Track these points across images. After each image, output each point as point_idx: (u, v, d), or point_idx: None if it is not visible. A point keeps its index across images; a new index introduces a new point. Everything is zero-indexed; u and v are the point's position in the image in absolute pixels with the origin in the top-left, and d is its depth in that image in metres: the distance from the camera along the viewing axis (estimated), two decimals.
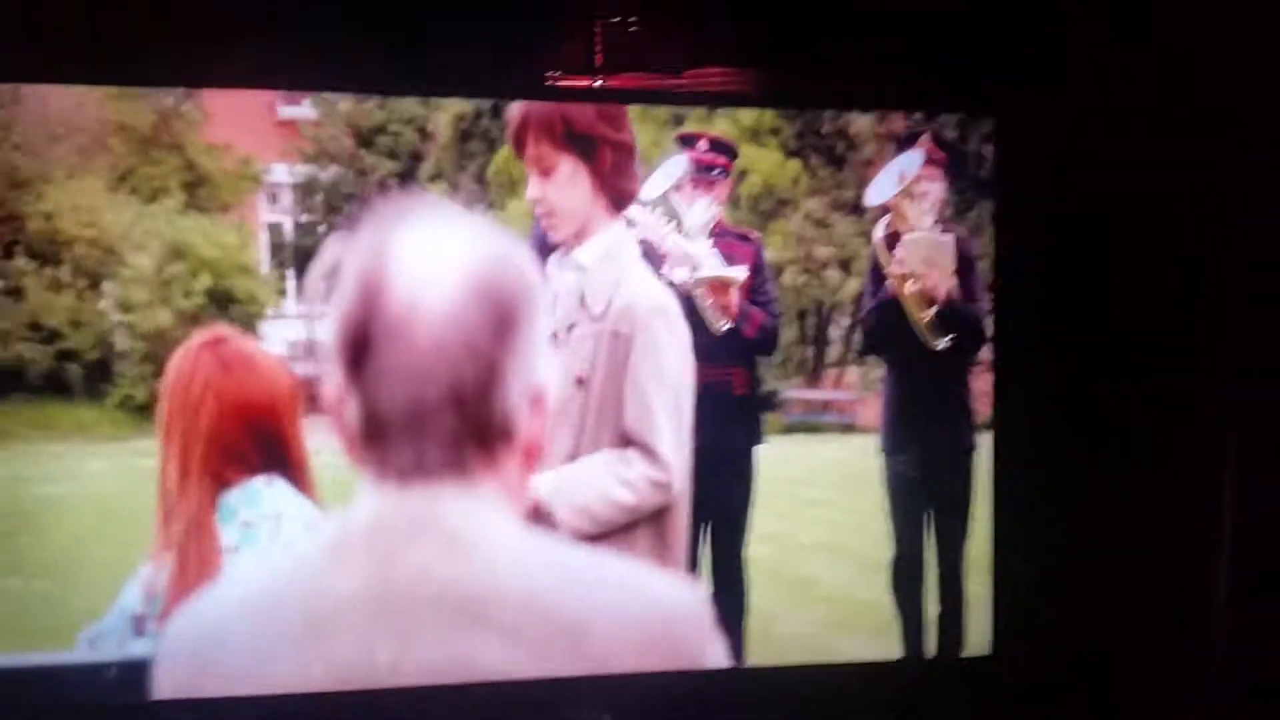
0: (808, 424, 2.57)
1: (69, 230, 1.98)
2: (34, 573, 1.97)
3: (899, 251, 2.31)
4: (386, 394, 0.89)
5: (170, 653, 0.97)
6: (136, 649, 1.59)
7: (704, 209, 2.28)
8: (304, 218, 2.15)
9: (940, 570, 2.33)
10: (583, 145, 1.90)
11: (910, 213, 2.28)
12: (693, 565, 2.28)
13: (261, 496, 1.58)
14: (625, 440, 1.88)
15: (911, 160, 2.27)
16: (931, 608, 2.31)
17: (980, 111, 2.23)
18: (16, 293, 1.98)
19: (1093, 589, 2.19)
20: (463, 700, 1.04)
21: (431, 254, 0.91)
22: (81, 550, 2.03)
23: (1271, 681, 2.04)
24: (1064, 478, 2.21)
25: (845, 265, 2.49)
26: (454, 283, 0.90)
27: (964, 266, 2.31)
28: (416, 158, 2.23)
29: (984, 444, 2.26)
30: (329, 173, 2.15)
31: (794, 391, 2.60)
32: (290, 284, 2.14)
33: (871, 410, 2.45)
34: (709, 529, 2.35)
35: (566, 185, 1.90)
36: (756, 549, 2.32)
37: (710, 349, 2.27)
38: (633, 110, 2.27)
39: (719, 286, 2.26)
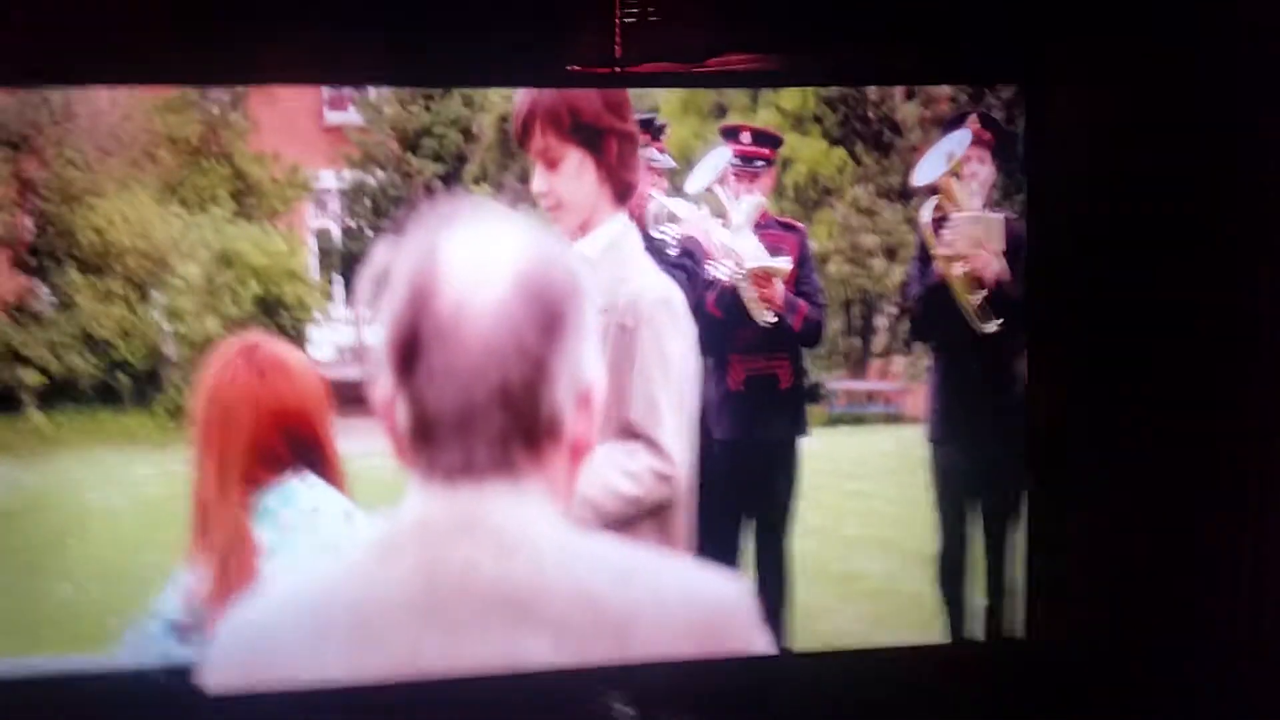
0: (853, 415, 2.56)
1: (119, 242, 2.01)
2: (84, 577, 2.01)
3: (946, 233, 2.27)
4: (436, 395, 0.89)
5: (220, 655, 0.97)
6: (179, 654, 1.60)
7: (750, 204, 2.27)
8: (351, 223, 2.16)
9: (987, 562, 2.31)
10: (590, 136, 1.88)
11: (958, 193, 2.25)
12: (735, 558, 2.30)
13: (298, 494, 1.59)
14: (629, 433, 1.87)
15: (960, 139, 2.23)
16: (978, 600, 2.29)
17: (1008, 80, 2.18)
18: (68, 305, 2.00)
19: (1128, 576, 2.16)
20: (493, 688, 1.05)
21: (479, 255, 0.91)
22: (130, 555, 2.07)
23: None
24: (1099, 463, 2.18)
25: (891, 253, 2.47)
26: (502, 283, 0.90)
27: (1014, 248, 2.24)
28: (461, 160, 2.24)
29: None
30: (375, 177, 2.16)
31: (839, 382, 2.59)
32: (338, 289, 2.15)
33: (918, 400, 2.43)
34: (753, 522, 2.35)
35: (573, 177, 1.88)
36: (801, 542, 2.31)
37: (756, 341, 2.30)
38: (674, 104, 2.28)
39: (764, 278, 2.25)
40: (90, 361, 2.03)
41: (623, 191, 1.89)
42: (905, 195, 2.34)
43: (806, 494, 2.32)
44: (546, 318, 0.90)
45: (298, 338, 2.12)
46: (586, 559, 0.93)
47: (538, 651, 0.90)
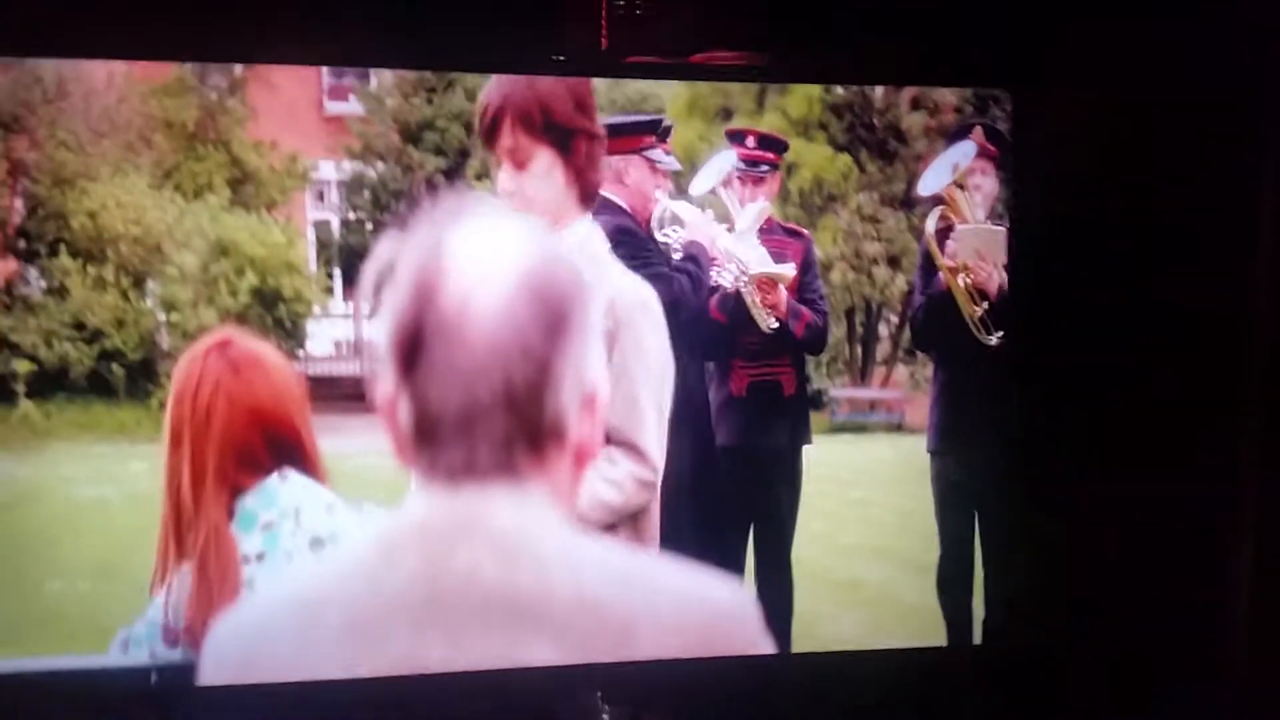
0: (855, 423, 2.55)
1: (113, 228, 1.96)
2: (75, 574, 1.96)
3: (951, 244, 2.28)
4: (439, 394, 0.88)
5: (216, 655, 0.96)
6: (167, 658, 1.58)
7: (756, 210, 2.26)
8: (351, 215, 2.14)
9: (987, 572, 2.29)
10: (560, 136, 1.85)
11: (963, 204, 2.25)
12: (738, 565, 2.28)
13: (278, 494, 1.56)
14: (611, 438, 1.85)
15: (965, 151, 2.24)
16: (979, 610, 2.27)
17: (995, 84, 2.17)
18: (60, 292, 1.97)
19: (1112, 581, 2.15)
20: (488, 687, 1.04)
21: (484, 253, 0.90)
22: (123, 552, 2.03)
23: None
24: (1083, 467, 2.17)
25: (894, 262, 2.46)
26: (507, 282, 0.89)
27: None
28: (464, 154, 2.22)
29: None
30: (376, 170, 2.14)
31: (841, 390, 2.58)
32: (337, 282, 2.13)
33: (920, 409, 2.42)
34: (755, 529, 2.34)
35: (542, 177, 1.85)
36: (802, 550, 2.31)
37: (759, 347, 2.29)
38: (679, 105, 2.26)
39: (768, 283, 2.25)
40: (83, 351, 2.00)
41: (589, 193, 1.87)
42: (909, 204, 2.34)
43: (808, 501, 2.32)
44: (551, 319, 0.89)
45: (295, 331, 2.09)
46: (589, 563, 0.92)
47: (539, 656, 0.89)
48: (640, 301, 1.87)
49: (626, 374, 1.84)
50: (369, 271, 0.93)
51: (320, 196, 2.13)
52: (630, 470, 1.85)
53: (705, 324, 2.22)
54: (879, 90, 2.37)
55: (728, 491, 2.29)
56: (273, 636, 0.93)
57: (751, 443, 2.32)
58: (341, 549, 1.49)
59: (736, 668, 1.08)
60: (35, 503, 2.02)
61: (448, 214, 0.93)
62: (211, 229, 2.02)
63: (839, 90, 2.36)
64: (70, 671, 1.77)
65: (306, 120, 2.07)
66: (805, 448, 2.35)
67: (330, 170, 2.12)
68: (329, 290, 2.11)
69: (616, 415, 1.82)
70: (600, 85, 2.19)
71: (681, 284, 2.15)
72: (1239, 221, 2.00)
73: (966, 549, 2.29)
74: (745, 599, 0.98)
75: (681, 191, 2.23)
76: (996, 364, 2.26)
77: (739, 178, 2.28)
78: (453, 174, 2.19)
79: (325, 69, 2.07)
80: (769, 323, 2.25)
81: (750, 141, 2.28)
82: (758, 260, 2.24)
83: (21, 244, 1.95)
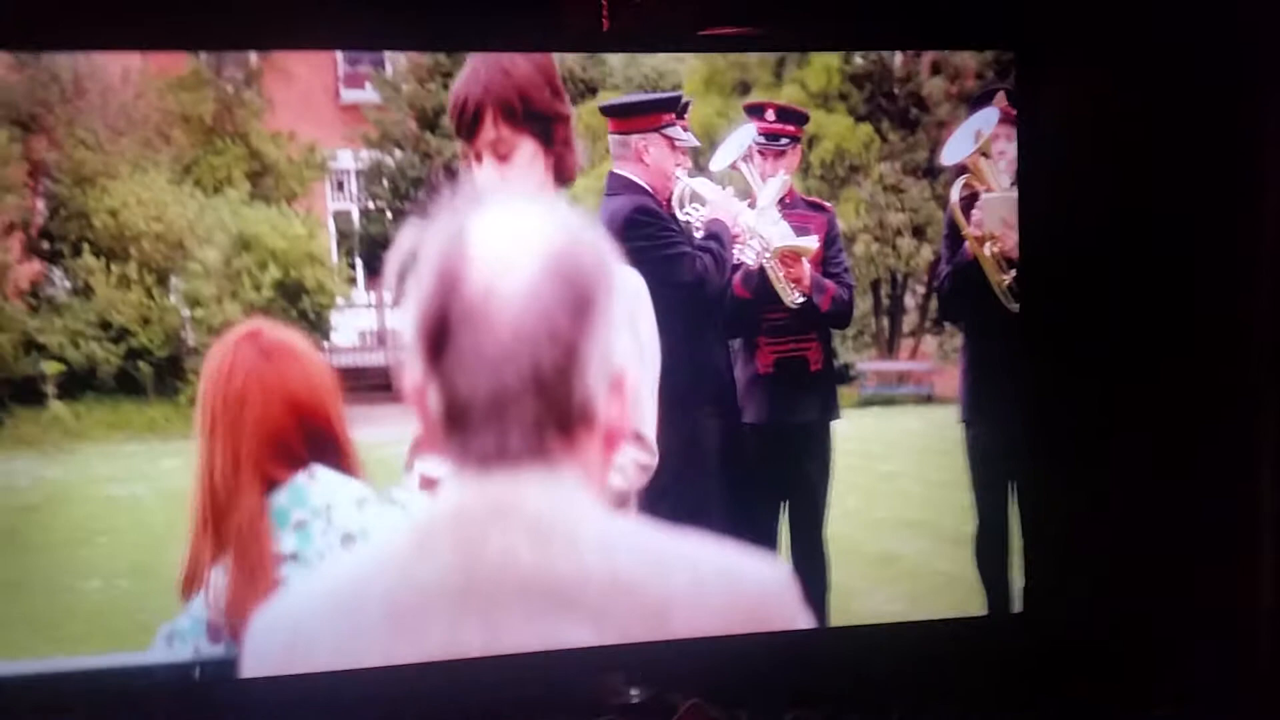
0: (884, 396, 2.53)
1: (134, 225, 1.96)
2: (113, 573, 1.98)
3: (976, 213, 2.25)
4: (467, 380, 0.89)
5: (257, 648, 0.98)
6: (210, 653, 1.59)
7: (776, 184, 2.23)
8: (371, 204, 2.13)
9: (1025, 540, 2.28)
10: (541, 124, 1.83)
11: (987, 172, 2.22)
12: (772, 542, 2.27)
13: (308, 492, 1.56)
14: None
15: (987, 117, 2.20)
16: (1017, 579, 2.26)
17: (1004, 46, 2.14)
18: (85, 291, 1.98)
19: (1148, 545, 2.14)
20: (527, 670, 1.05)
21: (508, 237, 0.90)
22: (159, 549, 2.04)
23: None
24: (1101, 440, 2.16)
25: (919, 232, 2.44)
26: (531, 265, 0.89)
27: None
28: None
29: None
30: (394, 157, 2.13)
31: (869, 364, 2.56)
32: (359, 272, 2.12)
33: (949, 380, 2.40)
34: (786, 505, 2.33)
35: (526, 167, 1.83)
36: (835, 525, 2.29)
37: (784, 323, 2.27)
38: (696, 81, 2.24)
39: (791, 258, 2.23)
40: (109, 350, 2.01)
41: (567, 175, 1.86)
42: (932, 172, 2.31)
43: (839, 476, 2.30)
44: (577, 301, 0.89)
45: (319, 323, 2.09)
46: (624, 545, 0.92)
47: (577, 638, 0.90)
48: (633, 290, 1.87)
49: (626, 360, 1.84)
50: (393, 261, 0.93)
51: (339, 186, 2.12)
52: (633, 456, 1.85)
53: (730, 302, 2.21)
54: (898, 58, 2.34)
55: (758, 469, 2.28)
56: (312, 627, 0.94)
57: (780, 419, 2.30)
58: (378, 539, 1.49)
59: (776, 644, 1.08)
60: (69, 503, 2.04)
61: (469, 199, 0.93)
62: (233, 223, 2.02)
63: (858, 59, 2.34)
64: (114, 669, 1.79)
65: (323, 109, 2.07)
66: (834, 423, 2.33)
67: (348, 159, 2.12)
68: (351, 281, 2.11)
69: None
70: (616, 63, 2.18)
71: (705, 262, 2.14)
72: (1250, 183, 1.99)
73: (1003, 517, 2.27)
74: (784, 574, 0.99)
75: (701, 168, 2.21)
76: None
77: (759, 152, 2.26)
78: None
79: (340, 56, 2.06)
80: (794, 298, 2.24)
81: (769, 115, 2.26)
82: (780, 235, 2.22)
83: (45, 245, 1.95)
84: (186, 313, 2.03)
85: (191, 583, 1.57)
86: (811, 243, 2.25)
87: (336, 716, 1.64)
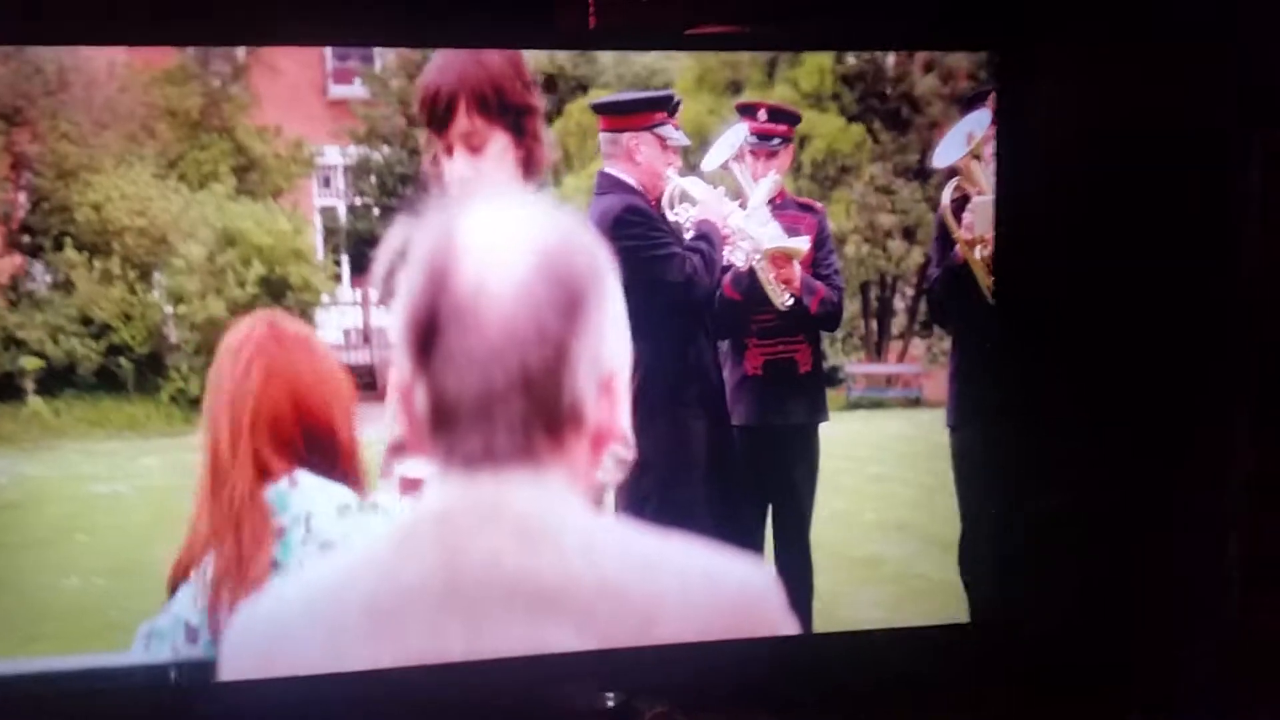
0: (872, 399, 2.53)
1: (118, 220, 1.95)
2: (91, 571, 1.96)
3: (967, 216, 2.23)
4: (455, 379, 0.88)
5: (235, 648, 0.97)
6: (189, 654, 1.58)
7: (767, 184, 2.23)
8: (358, 200, 2.11)
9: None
10: (513, 116, 1.83)
11: (979, 175, 2.21)
12: (758, 545, 2.26)
13: (288, 499, 1.55)
14: None
15: (979, 120, 2.18)
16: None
17: (987, 47, 2.12)
18: (66, 286, 1.96)
19: (1133, 554, 2.15)
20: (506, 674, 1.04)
21: (497, 235, 0.90)
22: (137, 548, 2.03)
23: None
24: (1071, 448, 2.16)
25: (909, 234, 2.43)
26: (522, 264, 0.89)
27: None
28: None
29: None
30: (381, 153, 2.11)
31: (857, 366, 2.56)
32: (345, 270, 2.11)
33: (937, 383, 2.40)
34: (772, 508, 2.32)
35: (498, 159, 1.83)
36: (821, 529, 2.29)
37: (773, 324, 2.26)
38: (688, 79, 2.23)
39: (782, 259, 2.22)
40: (90, 346, 1.99)
41: (536, 168, 1.85)
42: (923, 174, 2.31)
43: (826, 479, 2.30)
44: (567, 300, 0.89)
45: (304, 320, 2.08)
46: (611, 547, 0.92)
47: (561, 642, 0.89)
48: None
49: None
50: (381, 258, 0.93)
51: (326, 182, 2.11)
52: (613, 451, 1.85)
53: (719, 303, 2.20)
54: (891, 58, 2.34)
55: (745, 472, 2.27)
56: (292, 630, 0.93)
57: (767, 421, 2.29)
58: (361, 540, 1.48)
59: (759, 649, 1.07)
60: (48, 500, 2.03)
61: (459, 196, 0.92)
62: (217, 218, 2.01)
63: (850, 59, 2.33)
64: (91, 670, 1.77)
65: (310, 105, 2.05)
66: (822, 425, 2.33)
67: (336, 155, 2.10)
68: (337, 278, 2.10)
69: None
70: (608, 61, 2.17)
71: (694, 263, 2.13)
72: (1233, 187, 1.99)
73: (989, 524, 2.27)
74: (769, 578, 0.99)
75: (692, 168, 2.20)
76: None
77: (751, 152, 2.25)
78: None
79: (329, 51, 2.04)
80: (784, 299, 2.23)
81: (761, 115, 2.25)
82: (770, 236, 2.21)
83: (26, 239, 1.93)
84: (169, 309, 2.02)
85: (185, 569, 1.56)
86: (803, 243, 2.24)
87: None
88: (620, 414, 0.97)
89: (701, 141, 2.21)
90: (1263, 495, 2.02)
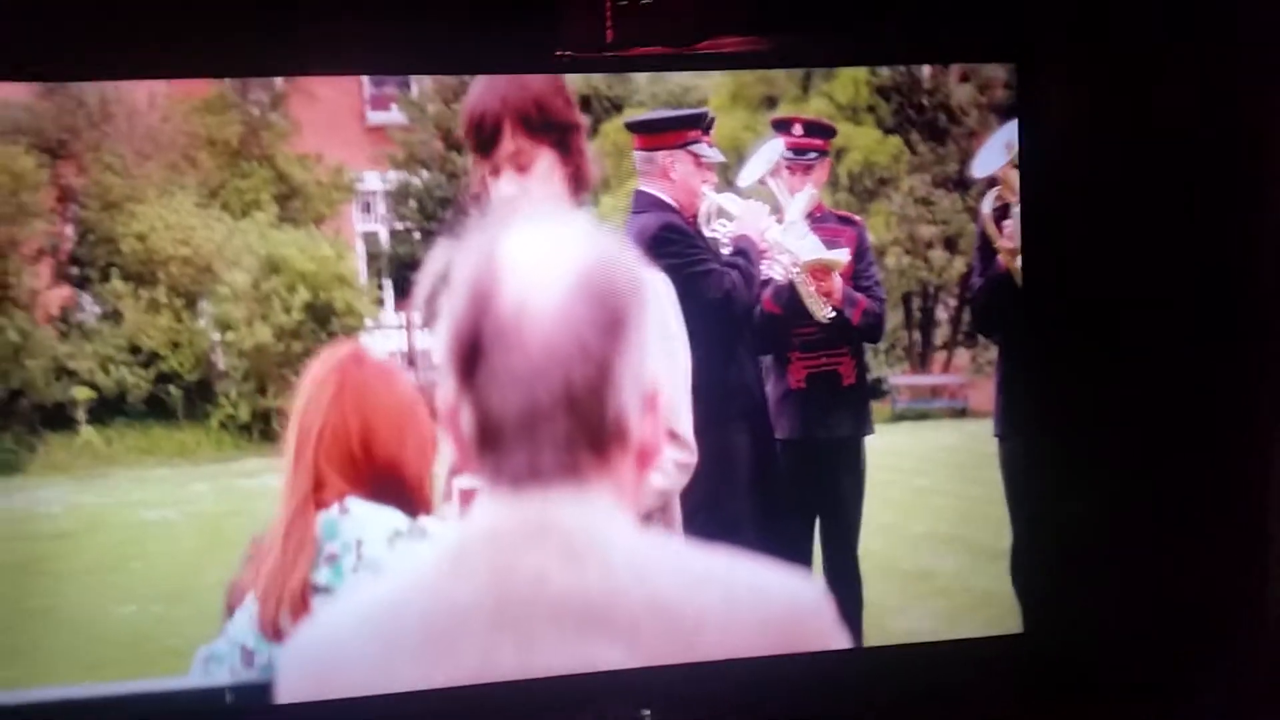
0: (917, 411, 2.51)
1: (163, 249, 1.97)
2: (147, 598, 1.98)
3: (1008, 225, 2.21)
4: (499, 399, 0.89)
5: (291, 672, 0.98)
6: (248, 675, 1.60)
7: (804, 199, 2.23)
8: (399, 225, 2.13)
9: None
10: (558, 134, 1.84)
11: (1019, 184, 2.20)
12: (806, 559, 2.25)
13: (339, 527, 1.56)
14: None
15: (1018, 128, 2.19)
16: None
17: (1003, 59, 2.13)
18: (114, 316, 1.99)
19: (1180, 561, 2.12)
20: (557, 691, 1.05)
21: (539, 255, 0.91)
22: (191, 574, 2.05)
23: None
24: (1105, 452, 2.14)
25: (950, 244, 2.41)
26: (562, 283, 0.89)
27: None
28: None
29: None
30: (421, 178, 2.13)
31: (901, 378, 2.54)
32: (388, 294, 2.13)
33: (983, 393, 2.37)
34: (820, 522, 2.31)
35: (545, 178, 1.84)
36: (869, 542, 2.28)
37: (815, 337, 2.25)
38: (722, 95, 2.23)
39: (821, 272, 2.21)
40: (139, 375, 2.02)
41: (584, 184, 1.86)
42: (962, 184, 2.29)
43: (873, 492, 2.29)
44: (609, 319, 0.90)
45: None
46: (658, 564, 0.92)
47: (610, 658, 0.90)
48: (659, 291, 1.87)
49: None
50: (423, 281, 0.94)
51: (366, 208, 2.12)
52: (672, 456, 1.86)
53: (760, 317, 2.20)
54: (926, 70, 2.33)
55: (790, 485, 2.26)
56: (348, 651, 0.94)
57: (812, 435, 2.29)
58: (412, 561, 1.49)
59: (809, 664, 1.06)
60: (101, 528, 2.05)
61: (500, 217, 0.93)
62: (261, 246, 2.03)
63: (884, 72, 2.32)
64: (146, 695, 1.79)
65: (349, 131, 2.07)
66: (867, 438, 2.32)
67: (375, 181, 2.12)
68: (380, 302, 2.11)
69: None
70: (641, 80, 2.17)
71: (733, 279, 2.13)
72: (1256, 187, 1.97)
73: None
74: (819, 591, 0.98)
75: (728, 184, 2.20)
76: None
77: (787, 166, 2.25)
78: None
79: (366, 78, 2.06)
80: (825, 312, 2.22)
81: (797, 129, 2.25)
82: (809, 249, 2.21)
83: (74, 270, 1.96)
84: (216, 336, 2.04)
85: (241, 592, 1.59)
86: (842, 255, 2.24)
87: None
88: (663, 429, 0.97)
89: (738, 157, 2.21)
90: None
